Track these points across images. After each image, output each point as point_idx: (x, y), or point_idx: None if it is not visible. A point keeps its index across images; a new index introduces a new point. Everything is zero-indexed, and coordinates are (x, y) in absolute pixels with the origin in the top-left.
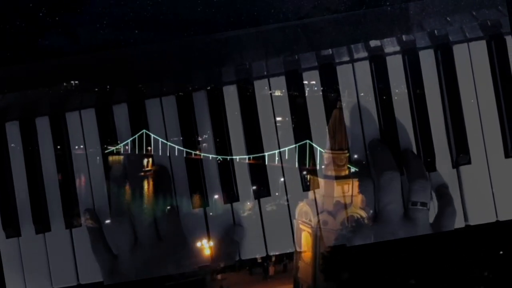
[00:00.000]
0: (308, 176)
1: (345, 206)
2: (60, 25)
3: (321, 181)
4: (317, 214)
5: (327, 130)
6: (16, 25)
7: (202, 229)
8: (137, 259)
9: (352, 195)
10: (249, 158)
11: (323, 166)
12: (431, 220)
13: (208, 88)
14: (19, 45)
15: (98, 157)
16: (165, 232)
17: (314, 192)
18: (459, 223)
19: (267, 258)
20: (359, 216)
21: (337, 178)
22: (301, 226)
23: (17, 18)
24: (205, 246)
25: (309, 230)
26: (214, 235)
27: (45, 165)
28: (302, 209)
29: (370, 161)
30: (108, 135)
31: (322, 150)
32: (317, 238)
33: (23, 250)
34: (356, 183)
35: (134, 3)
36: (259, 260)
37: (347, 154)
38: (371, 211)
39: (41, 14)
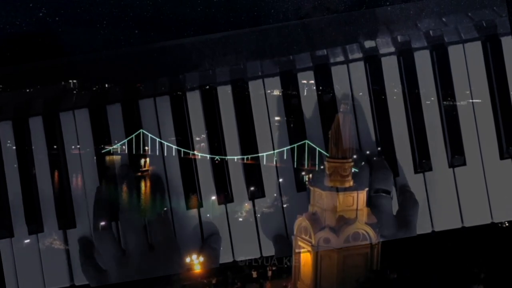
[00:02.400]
0: (305, 180)
1: (350, 222)
2: (58, 26)
3: (322, 193)
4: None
5: (329, 135)
6: (15, 24)
7: (196, 231)
8: (128, 268)
9: (357, 209)
10: (243, 159)
11: (324, 177)
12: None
13: (204, 88)
14: (16, 45)
15: (93, 157)
16: (158, 240)
17: (313, 205)
18: (455, 224)
19: (264, 276)
20: (364, 233)
21: (340, 190)
22: (300, 243)
23: (15, 18)
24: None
25: (309, 249)
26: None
27: (38, 165)
28: (301, 224)
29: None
30: (102, 135)
31: (324, 152)
32: (317, 257)
33: (16, 251)
34: (361, 195)
35: (132, 3)
36: (255, 276)
37: (351, 163)
38: (378, 227)
39: (41, 14)
